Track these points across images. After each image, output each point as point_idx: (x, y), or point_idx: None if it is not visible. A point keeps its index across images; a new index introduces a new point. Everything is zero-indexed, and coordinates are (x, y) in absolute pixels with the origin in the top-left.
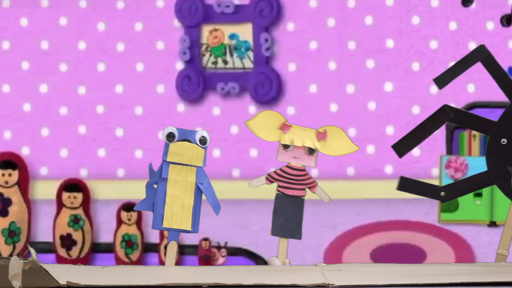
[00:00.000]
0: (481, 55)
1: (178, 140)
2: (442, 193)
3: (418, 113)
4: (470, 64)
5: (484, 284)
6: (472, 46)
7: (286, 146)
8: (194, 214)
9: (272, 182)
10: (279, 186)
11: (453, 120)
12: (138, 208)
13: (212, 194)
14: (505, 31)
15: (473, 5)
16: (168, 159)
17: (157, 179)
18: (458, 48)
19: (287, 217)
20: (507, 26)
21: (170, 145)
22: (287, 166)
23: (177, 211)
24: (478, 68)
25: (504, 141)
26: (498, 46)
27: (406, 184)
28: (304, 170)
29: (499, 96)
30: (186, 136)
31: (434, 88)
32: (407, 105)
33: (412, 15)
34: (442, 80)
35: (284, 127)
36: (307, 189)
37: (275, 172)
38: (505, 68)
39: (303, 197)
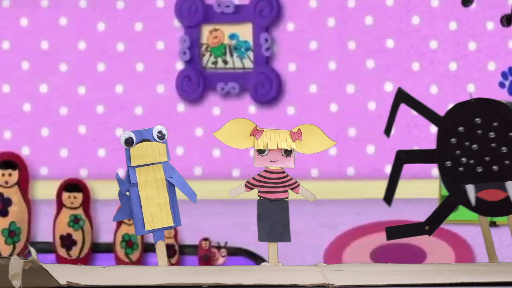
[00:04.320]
0: (402, 97)
1: (137, 143)
2: (427, 227)
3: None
4: (396, 108)
5: (484, 284)
6: (472, 46)
7: (261, 151)
8: (172, 208)
9: (252, 189)
10: (259, 191)
11: (406, 160)
12: (116, 218)
13: (183, 184)
14: (505, 31)
15: (473, 5)
16: (133, 164)
17: (127, 186)
18: (458, 48)
19: (273, 221)
20: (507, 26)
21: (131, 150)
22: (265, 171)
23: (155, 211)
24: (478, 68)
25: (448, 163)
26: (498, 46)
27: (394, 232)
28: (283, 172)
29: (499, 96)
30: (143, 136)
31: (434, 88)
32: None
33: (412, 15)
34: (387, 129)
35: (256, 132)
36: (290, 191)
37: (253, 178)
38: (505, 68)
39: (286, 199)
